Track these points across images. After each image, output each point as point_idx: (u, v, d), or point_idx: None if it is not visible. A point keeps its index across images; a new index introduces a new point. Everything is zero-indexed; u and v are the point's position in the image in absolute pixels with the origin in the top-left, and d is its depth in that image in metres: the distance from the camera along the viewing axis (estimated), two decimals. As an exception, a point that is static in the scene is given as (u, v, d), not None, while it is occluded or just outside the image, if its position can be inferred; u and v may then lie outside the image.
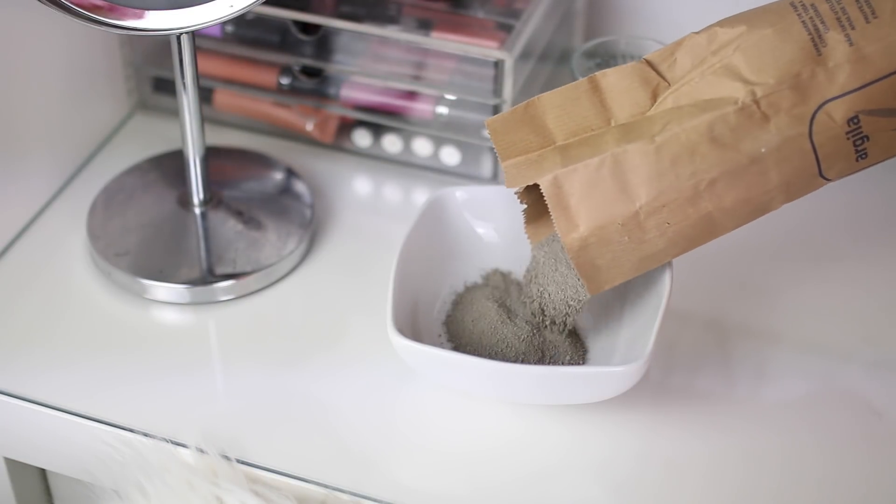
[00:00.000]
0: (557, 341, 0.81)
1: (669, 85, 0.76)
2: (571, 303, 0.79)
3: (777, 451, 0.77)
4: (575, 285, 0.78)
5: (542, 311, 0.80)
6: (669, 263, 0.78)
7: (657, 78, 0.76)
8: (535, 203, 0.80)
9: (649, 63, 0.77)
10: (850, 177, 0.78)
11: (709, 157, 0.73)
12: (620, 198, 0.73)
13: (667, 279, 0.78)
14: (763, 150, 0.73)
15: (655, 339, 0.75)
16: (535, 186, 0.76)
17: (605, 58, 0.92)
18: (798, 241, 0.90)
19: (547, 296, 0.80)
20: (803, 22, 0.74)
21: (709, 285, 0.87)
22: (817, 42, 0.73)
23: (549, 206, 0.74)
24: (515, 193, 0.79)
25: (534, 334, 0.80)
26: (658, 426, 0.79)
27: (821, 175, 0.75)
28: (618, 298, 0.82)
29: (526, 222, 0.81)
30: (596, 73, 0.77)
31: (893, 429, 0.79)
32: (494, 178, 0.96)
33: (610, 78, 0.77)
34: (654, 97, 0.76)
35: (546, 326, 0.81)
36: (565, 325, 0.80)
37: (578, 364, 0.80)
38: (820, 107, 0.73)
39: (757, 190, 0.74)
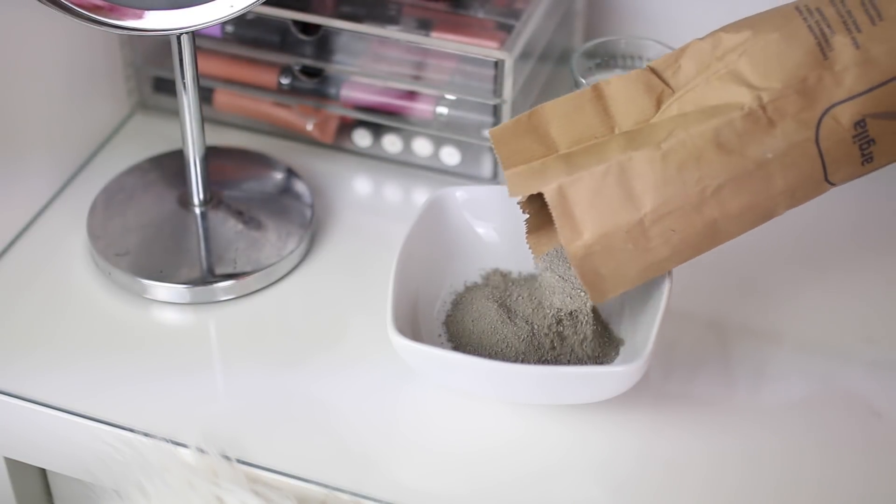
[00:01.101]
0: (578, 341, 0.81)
1: (674, 92, 0.75)
2: (577, 312, 0.79)
3: (777, 451, 0.77)
4: (579, 294, 0.78)
5: (557, 322, 0.80)
6: (669, 263, 0.79)
7: (661, 85, 0.76)
8: (537, 212, 0.79)
9: (653, 70, 0.76)
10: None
11: (715, 163, 0.73)
12: (625, 205, 0.73)
13: (666, 279, 0.78)
14: (769, 155, 0.73)
15: (655, 340, 0.75)
16: (539, 195, 0.76)
17: (605, 58, 0.92)
18: (798, 241, 0.90)
19: (555, 308, 0.80)
20: (809, 26, 0.74)
21: (709, 286, 0.87)
22: (823, 46, 0.73)
23: (553, 215, 0.73)
24: (518, 203, 0.79)
25: (534, 334, 0.80)
26: (658, 426, 0.79)
27: (826, 180, 0.75)
28: (618, 299, 0.82)
29: (528, 232, 0.80)
30: (599, 81, 0.77)
31: (893, 429, 0.79)
32: (494, 178, 0.96)
33: (614, 85, 0.76)
34: (659, 104, 0.75)
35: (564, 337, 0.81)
36: (587, 330, 0.80)
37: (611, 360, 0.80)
38: (826, 111, 0.73)
39: (762, 195, 0.74)
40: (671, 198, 0.73)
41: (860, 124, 0.73)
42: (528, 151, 0.76)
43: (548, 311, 0.80)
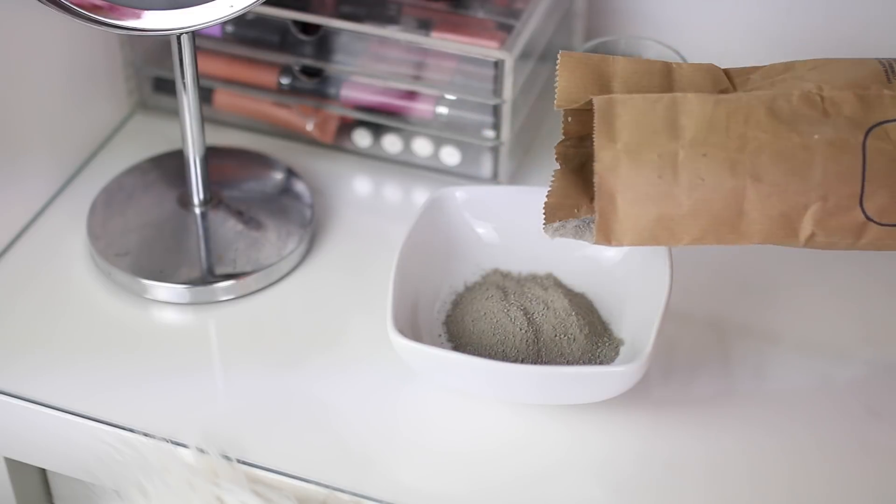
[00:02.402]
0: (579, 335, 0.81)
1: (737, 91, 0.76)
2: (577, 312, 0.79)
3: (777, 451, 0.77)
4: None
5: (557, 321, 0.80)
6: (669, 263, 0.78)
7: (727, 82, 0.76)
8: (563, 177, 0.77)
9: (725, 70, 0.77)
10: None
11: (762, 124, 0.73)
12: (666, 131, 0.73)
13: (667, 279, 0.78)
14: (816, 136, 0.73)
15: (655, 339, 0.75)
16: (574, 170, 0.76)
17: (605, 58, 0.92)
18: (798, 241, 0.90)
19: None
20: (881, 62, 0.76)
21: (709, 285, 0.87)
22: (889, 74, 0.75)
23: (595, 119, 0.73)
24: (557, 154, 0.77)
25: (534, 334, 0.80)
26: (658, 426, 0.79)
27: (860, 203, 0.73)
28: (618, 298, 0.83)
29: (548, 196, 0.77)
30: (672, 62, 0.77)
31: (893, 429, 0.79)
32: (494, 178, 0.96)
33: (684, 69, 0.77)
34: None
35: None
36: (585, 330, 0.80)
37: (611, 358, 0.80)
38: (880, 123, 0.73)
39: (797, 178, 0.72)
40: (711, 140, 0.72)
41: None
42: (585, 88, 0.76)
43: (548, 309, 0.80)
